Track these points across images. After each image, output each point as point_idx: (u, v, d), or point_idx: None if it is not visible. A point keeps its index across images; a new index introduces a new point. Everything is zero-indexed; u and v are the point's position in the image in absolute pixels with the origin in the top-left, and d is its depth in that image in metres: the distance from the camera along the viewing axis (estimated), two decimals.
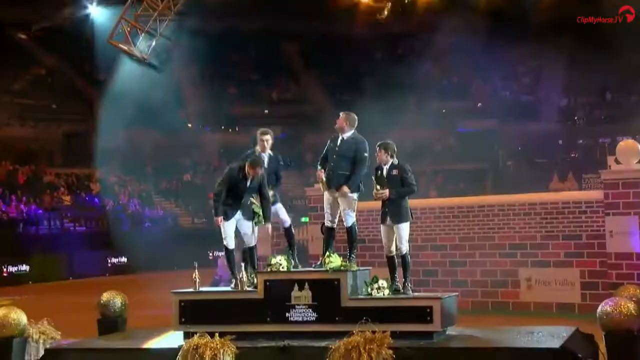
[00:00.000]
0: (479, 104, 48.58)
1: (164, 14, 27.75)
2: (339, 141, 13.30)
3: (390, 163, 13.02)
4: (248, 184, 13.05)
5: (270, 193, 13.41)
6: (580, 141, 39.40)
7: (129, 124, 39.74)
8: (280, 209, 13.87)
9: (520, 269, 19.76)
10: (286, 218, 13.92)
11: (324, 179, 13.24)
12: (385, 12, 16.30)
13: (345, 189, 13.05)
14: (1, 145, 42.07)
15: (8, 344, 12.60)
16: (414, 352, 11.25)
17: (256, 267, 13.51)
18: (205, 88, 49.70)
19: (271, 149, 13.70)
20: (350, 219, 13.42)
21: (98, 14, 29.18)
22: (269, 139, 13.67)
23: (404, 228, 12.96)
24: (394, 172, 12.99)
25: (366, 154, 13.15)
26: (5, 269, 33.73)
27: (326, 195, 13.50)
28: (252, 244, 13.59)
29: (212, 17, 32.32)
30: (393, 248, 13.05)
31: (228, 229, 13.42)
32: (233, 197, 13.31)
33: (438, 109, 46.42)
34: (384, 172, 13.01)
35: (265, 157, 13.54)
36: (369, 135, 13.44)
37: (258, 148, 13.62)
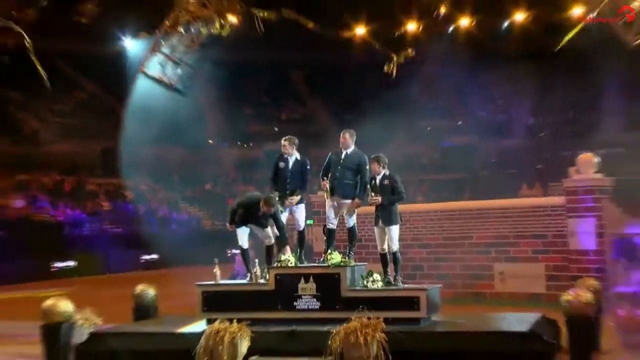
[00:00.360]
0: (460, 123, 48.73)
1: (188, 46, 27.89)
2: (343, 155, 13.40)
3: (382, 174, 13.12)
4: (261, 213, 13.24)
5: (297, 198, 13.61)
6: (546, 154, 39.42)
7: (158, 140, 39.88)
8: (300, 212, 13.90)
9: (494, 264, 19.79)
10: (302, 222, 13.94)
11: (328, 188, 13.34)
12: (394, 69, 16.24)
13: (358, 201, 13.36)
14: (50, 159, 42.23)
15: (57, 329, 12.59)
16: (404, 336, 11.26)
17: (272, 263, 13.60)
18: (224, 109, 49.79)
19: (299, 153, 13.82)
20: (352, 221, 13.56)
21: (131, 46, 29.28)
22: (284, 144, 13.81)
23: (395, 230, 13.04)
24: (386, 181, 13.09)
25: (368, 166, 13.27)
26: (54, 265, 33.92)
27: (328, 201, 13.58)
28: (269, 244, 13.68)
29: (230, 49, 32.39)
30: (385, 246, 13.13)
31: (241, 233, 13.62)
32: (248, 216, 13.46)
33: (425, 127, 46.70)
34: (377, 182, 13.12)
35: (291, 160, 13.67)
36: (366, 149, 13.56)
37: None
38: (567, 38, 16.65)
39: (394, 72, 15.83)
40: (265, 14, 15.09)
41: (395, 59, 15.06)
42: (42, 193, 40.06)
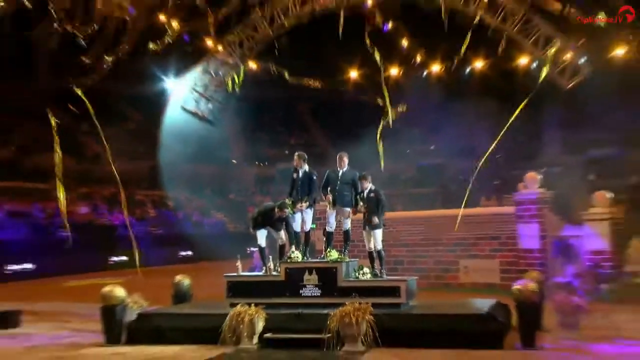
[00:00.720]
0: (432, 147, 48.77)
1: (217, 86, 28.01)
2: (340, 173, 13.51)
3: (369, 188, 13.22)
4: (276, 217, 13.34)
5: (306, 203, 13.55)
6: (501, 173, 39.50)
7: (193, 160, 40.11)
8: (308, 215, 13.83)
9: (460, 260, 19.81)
10: (308, 225, 13.88)
11: (331, 199, 13.40)
12: (389, 121, 16.10)
13: (354, 209, 13.56)
14: (107, 175, 42.12)
15: (113, 310, 12.67)
16: (387, 317, 11.32)
17: (283, 259, 13.63)
18: (245, 136, 50.11)
19: (308, 166, 13.78)
20: (347, 225, 13.61)
21: (172, 86, 29.31)
22: (295, 158, 13.86)
23: (378, 233, 13.11)
24: (372, 194, 13.18)
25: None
26: (110, 259, 34.12)
27: (330, 210, 13.65)
28: (282, 244, 13.71)
29: (251, 88, 32.47)
30: (372, 246, 13.17)
31: (260, 234, 13.64)
32: (265, 220, 13.52)
33: (405, 150, 46.72)
34: (365, 194, 13.19)
35: (301, 172, 13.66)
36: (357, 167, 13.64)
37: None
38: (541, 79, 16.45)
39: (390, 123, 15.71)
40: (276, 68, 15.04)
41: (390, 114, 14.97)
42: (102, 202, 40.26)
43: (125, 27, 13.92)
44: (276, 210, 13.33)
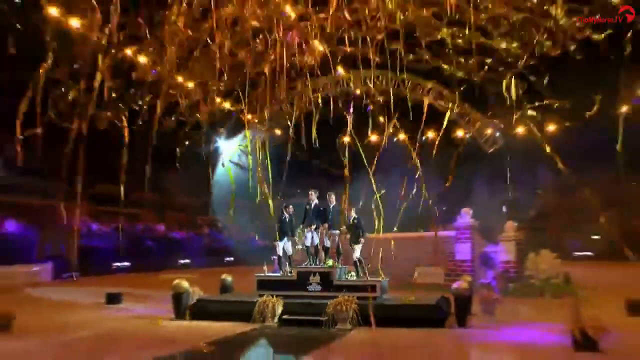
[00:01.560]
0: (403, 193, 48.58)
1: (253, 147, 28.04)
2: (331, 207, 13.24)
3: (353, 216, 13.12)
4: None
5: (320, 229, 13.24)
6: (446, 208, 39.26)
7: (236, 196, 39.98)
8: (315, 234, 13.44)
9: (416, 267, 19.62)
10: (315, 240, 13.50)
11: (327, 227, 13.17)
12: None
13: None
14: (178, 205, 41.92)
15: (180, 296, 12.71)
16: (367, 306, 11.20)
17: (292, 264, 13.53)
18: (272, 179, 50.04)
19: (317, 200, 13.44)
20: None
21: (223, 145, 29.38)
22: (310, 193, 13.73)
23: (357, 247, 12.96)
24: (355, 221, 13.10)
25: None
26: (179, 262, 34.02)
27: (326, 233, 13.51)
28: (290, 254, 13.62)
29: (277, 146, 32.64)
30: (354, 256, 13.07)
31: (278, 246, 13.50)
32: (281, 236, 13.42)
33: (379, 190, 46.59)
34: (350, 221, 13.10)
35: (312, 204, 13.36)
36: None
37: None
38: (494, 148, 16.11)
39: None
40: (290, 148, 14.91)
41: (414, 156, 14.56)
42: (174, 223, 40.27)
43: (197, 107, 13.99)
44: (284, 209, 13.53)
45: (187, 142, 15.05)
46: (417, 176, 13.58)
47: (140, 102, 12.91)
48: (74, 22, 10.41)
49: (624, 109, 10.72)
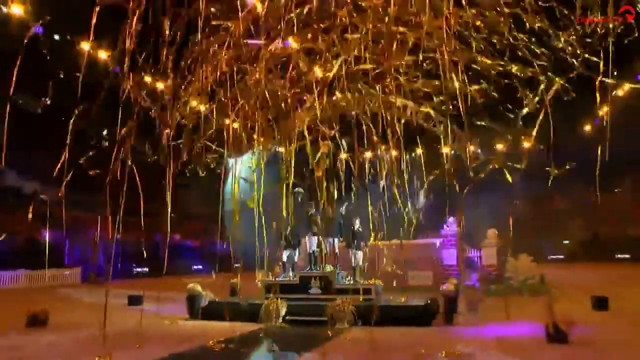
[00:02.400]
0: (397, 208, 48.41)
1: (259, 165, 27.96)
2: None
3: (357, 226, 13.08)
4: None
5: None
6: (433, 220, 39.32)
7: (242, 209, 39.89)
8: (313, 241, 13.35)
9: (409, 272, 19.52)
10: (314, 246, 13.42)
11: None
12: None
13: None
14: (191, 216, 41.77)
15: (194, 298, 12.79)
16: (363, 308, 11.12)
17: (295, 269, 13.46)
18: (277, 194, 49.89)
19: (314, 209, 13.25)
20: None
21: (231, 160, 29.45)
22: (311, 204, 13.53)
23: (359, 254, 12.93)
24: (359, 230, 13.06)
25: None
26: (193, 268, 33.93)
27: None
28: (295, 261, 13.52)
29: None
30: (354, 262, 13.01)
31: (284, 255, 13.44)
32: (286, 245, 13.34)
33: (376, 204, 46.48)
34: (354, 229, 13.02)
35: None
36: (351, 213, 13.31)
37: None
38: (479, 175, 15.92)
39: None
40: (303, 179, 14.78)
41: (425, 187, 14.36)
42: (189, 232, 40.32)
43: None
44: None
45: (210, 165, 14.94)
46: (405, 189, 13.39)
47: (181, 143, 12.90)
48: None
49: (587, 128, 10.71)
